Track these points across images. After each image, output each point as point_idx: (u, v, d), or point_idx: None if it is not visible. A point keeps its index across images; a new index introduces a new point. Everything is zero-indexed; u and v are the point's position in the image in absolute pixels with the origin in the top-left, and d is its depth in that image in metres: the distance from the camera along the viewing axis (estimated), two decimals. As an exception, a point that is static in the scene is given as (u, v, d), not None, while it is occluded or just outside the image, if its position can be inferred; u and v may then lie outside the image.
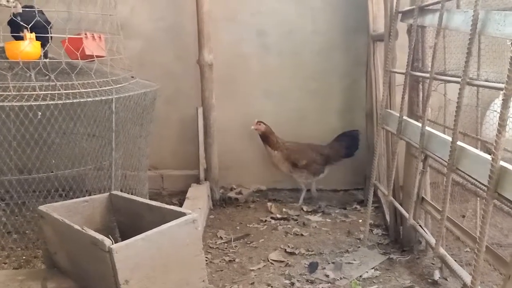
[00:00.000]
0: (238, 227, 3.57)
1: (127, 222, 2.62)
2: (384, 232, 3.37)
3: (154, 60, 4.20)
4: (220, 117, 4.13)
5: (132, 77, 3.37)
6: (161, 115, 3.95)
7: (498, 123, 1.72)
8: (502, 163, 1.73)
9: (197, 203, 3.55)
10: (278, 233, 3.43)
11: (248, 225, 3.60)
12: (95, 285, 2.18)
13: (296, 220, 3.67)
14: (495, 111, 2.68)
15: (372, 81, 3.79)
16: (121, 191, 3.22)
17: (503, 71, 1.95)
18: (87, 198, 2.66)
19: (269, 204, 3.97)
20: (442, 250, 2.25)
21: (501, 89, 1.74)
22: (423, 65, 2.91)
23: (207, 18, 3.89)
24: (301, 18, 4.19)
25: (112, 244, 1.94)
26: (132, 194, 3.27)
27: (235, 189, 4.29)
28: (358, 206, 3.95)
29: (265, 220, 3.67)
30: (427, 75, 2.51)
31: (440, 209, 2.22)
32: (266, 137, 3.98)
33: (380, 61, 3.69)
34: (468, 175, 1.99)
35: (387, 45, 3.08)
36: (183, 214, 2.21)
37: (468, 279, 1.92)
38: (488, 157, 1.79)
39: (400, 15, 2.98)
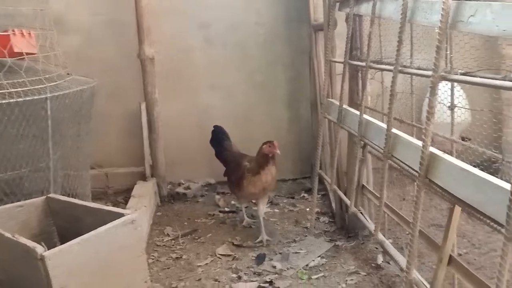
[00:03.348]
0: (186, 223, 3.52)
1: (66, 226, 2.51)
2: (330, 220, 3.42)
3: (93, 56, 4.04)
4: (166, 111, 4.05)
5: (68, 74, 3.23)
6: (103, 112, 3.83)
7: (427, 110, 1.76)
8: (432, 149, 1.78)
9: (143, 201, 3.47)
10: (226, 227, 3.42)
11: (196, 220, 3.56)
12: (30, 295, 2.08)
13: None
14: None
15: (315, 70, 3.82)
16: (62, 193, 3.10)
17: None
18: (21, 202, 2.52)
19: (217, 197, 3.95)
20: (380, 236, 2.30)
21: (428, 76, 1.78)
22: (361, 53, 2.95)
23: (146, 11, 3.78)
24: (245, 9, 4.16)
25: (45, 251, 1.85)
26: (74, 195, 3.16)
27: (183, 184, 4.22)
28: (306, 195, 3.99)
29: (213, 214, 3.65)
30: (363, 63, 2.55)
31: (379, 196, 2.27)
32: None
33: (322, 50, 3.71)
34: (403, 162, 2.03)
35: (326, 34, 3.11)
36: (122, 215, 2.14)
37: (404, 263, 1.97)
38: (420, 143, 1.83)
39: (338, 4, 3.00)
